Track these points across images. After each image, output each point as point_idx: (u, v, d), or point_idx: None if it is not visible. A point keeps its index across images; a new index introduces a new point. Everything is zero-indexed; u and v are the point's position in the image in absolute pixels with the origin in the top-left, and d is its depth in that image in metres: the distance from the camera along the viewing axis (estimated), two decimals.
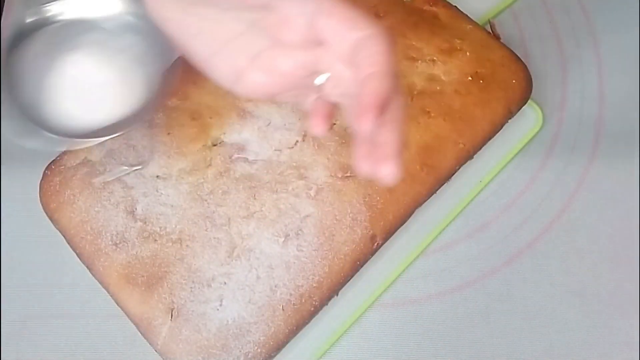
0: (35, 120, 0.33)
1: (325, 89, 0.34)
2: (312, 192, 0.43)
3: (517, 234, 0.49)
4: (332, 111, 0.35)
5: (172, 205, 0.43)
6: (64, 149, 0.33)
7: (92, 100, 0.35)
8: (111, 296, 0.42)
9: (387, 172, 0.30)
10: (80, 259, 0.43)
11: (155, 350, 0.40)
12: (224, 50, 0.33)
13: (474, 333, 0.46)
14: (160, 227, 0.42)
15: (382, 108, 0.29)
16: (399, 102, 0.30)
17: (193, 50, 0.34)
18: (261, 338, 0.40)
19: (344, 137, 0.44)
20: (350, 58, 0.31)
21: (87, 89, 0.35)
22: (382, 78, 0.29)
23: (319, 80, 0.33)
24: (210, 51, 0.34)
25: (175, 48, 0.35)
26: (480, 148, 0.47)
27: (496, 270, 0.48)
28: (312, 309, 0.41)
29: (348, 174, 0.43)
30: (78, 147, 0.32)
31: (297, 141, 0.44)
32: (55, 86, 0.35)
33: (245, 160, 0.44)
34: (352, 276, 0.43)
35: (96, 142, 0.33)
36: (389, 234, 0.44)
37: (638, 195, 0.50)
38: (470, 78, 0.47)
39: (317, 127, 0.34)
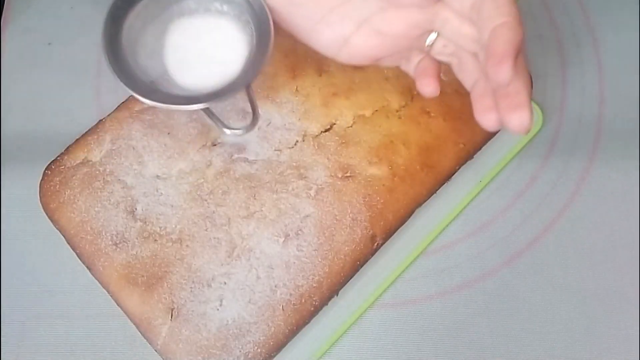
0: (148, 82, 0.35)
1: (435, 48, 0.34)
2: (312, 192, 0.43)
3: (517, 234, 0.49)
4: (440, 71, 0.35)
5: (172, 205, 0.43)
6: (175, 109, 0.37)
7: (198, 65, 0.37)
8: (111, 296, 0.42)
9: (520, 120, 0.30)
10: (80, 259, 0.43)
11: (155, 350, 0.40)
12: (330, 17, 0.34)
13: (474, 333, 0.46)
14: (160, 227, 0.42)
15: (517, 57, 0.29)
16: (523, 53, 0.31)
17: (297, 20, 0.34)
18: (261, 338, 0.40)
19: (344, 137, 0.44)
20: (470, 14, 0.31)
21: (192, 54, 0.37)
22: (515, 27, 0.29)
23: (429, 39, 0.34)
24: (316, 19, 0.34)
25: (275, 19, 0.35)
26: (480, 148, 0.47)
27: (496, 270, 0.48)
28: (312, 309, 0.41)
29: (348, 174, 0.43)
30: (187, 109, 0.35)
31: (297, 141, 0.44)
32: (162, 51, 0.37)
33: (245, 160, 0.44)
34: (352, 276, 0.43)
35: (202, 107, 0.35)
36: (389, 234, 0.44)
37: (638, 195, 0.50)
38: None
39: (429, 86, 0.35)
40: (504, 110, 0.31)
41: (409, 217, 0.45)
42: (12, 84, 0.53)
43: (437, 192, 0.46)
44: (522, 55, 0.30)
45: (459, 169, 0.46)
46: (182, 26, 0.37)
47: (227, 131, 0.37)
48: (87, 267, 0.43)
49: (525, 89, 0.30)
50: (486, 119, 0.32)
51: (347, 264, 0.42)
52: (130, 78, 0.35)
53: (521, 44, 0.29)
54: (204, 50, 0.37)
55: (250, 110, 0.37)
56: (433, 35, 0.34)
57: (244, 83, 0.35)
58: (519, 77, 0.30)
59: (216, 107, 0.40)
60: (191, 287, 0.41)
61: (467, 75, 0.34)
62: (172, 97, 0.35)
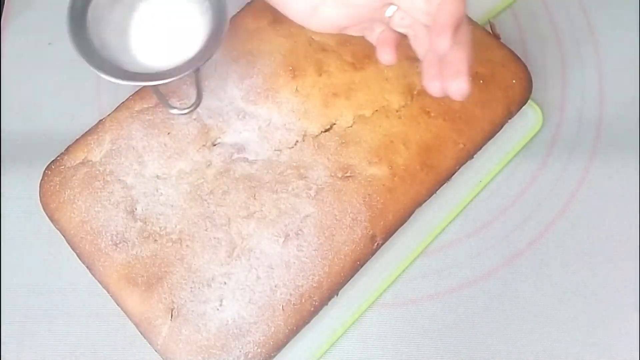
0: (112, 60, 0.38)
1: (393, 20, 0.37)
2: (312, 192, 0.43)
3: (517, 234, 0.49)
4: (399, 41, 0.38)
5: (172, 205, 0.43)
6: (134, 84, 0.40)
7: (159, 44, 0.40)
8: (111, 296, 0.42)
9: (457, 87, 0.33)
10: (80, 259, 0.43)
11: (155, 350, 0.40)
12: None
13: (474, 333, 0.46)
14: (160, 227, 0.42)
15: (457, 28, 0.32)
16: (466, 26, 0.34)
17: None
18: (261, 338, 0.40)
19: (344, 137, 0.44)
20: None
21: (154, 34, 0.40)
22: (457, 2, 0.32)
23: (389, 11, 0.37)
24: None
25: None
26: (480, 148, 0.47)
27: (496, 270, 0.48)
28: (312, 309, 0.41)
29: (348, 174, 0.43)
30: (148, 85, 0.38)
31: (297, 141, 0.44)
32: (126, 29, 0.40)
33: (245, 160, 0.44)
34: (352, 276, 0.43)
35: (164, 83, 0.38)
36: (389, 234, 0.44)
37: (638, 195, 0.50)
38: (470, 78, 0.47)
39: (386, 54, 0.38)
40: (445, 77, 0.34)
41: (409, 217, 0.45)
42: (12, 84, 0.53)
43: (437, 192, 0.46)
44: (466, 28, 0.33)
45: (459, 169, 0.46)
46: (148, 6, 0.40)
47: (172, 110, 0.40)
48: (87, 267, 0.43)
49: (465, 59, 0.33)
50: (431, 86, 0.35)
51: (347, 264, 0.42)
52: (87, 49, 0.37)
53: (462, 17, 0.32)
54: (166, 30, 0.40)
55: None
56: (393, 8, 0.37)
57: (193, 67, 0.38)
58: (461, 48, 0.33)
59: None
60: (191, 287, 0.41)
61: (420, 46, 0.37)
62: (122, 72, 0.38)
